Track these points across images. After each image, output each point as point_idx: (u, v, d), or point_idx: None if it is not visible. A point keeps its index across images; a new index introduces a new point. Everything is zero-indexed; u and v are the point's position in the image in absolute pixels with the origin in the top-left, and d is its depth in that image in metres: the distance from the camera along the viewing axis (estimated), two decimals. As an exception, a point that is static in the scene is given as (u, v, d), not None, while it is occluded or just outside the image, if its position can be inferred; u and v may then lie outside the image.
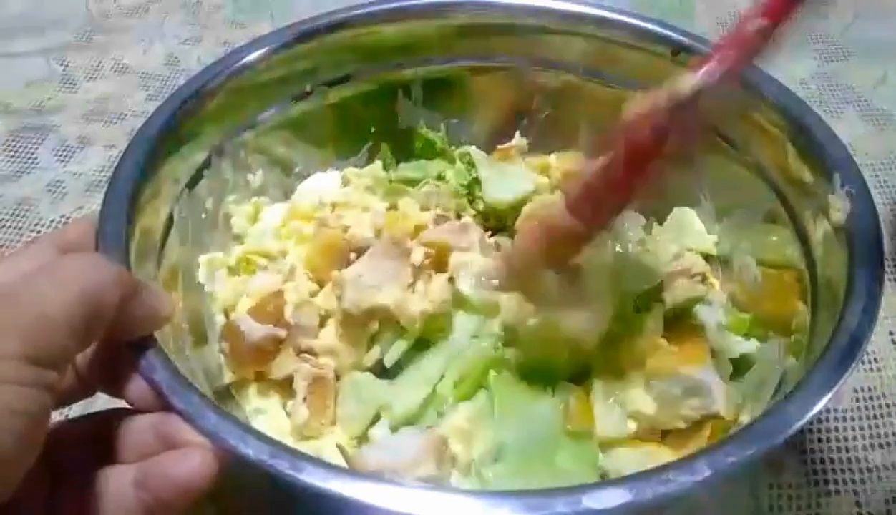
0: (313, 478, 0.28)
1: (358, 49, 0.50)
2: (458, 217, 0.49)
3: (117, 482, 0.29)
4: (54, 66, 0.72)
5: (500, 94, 0.53)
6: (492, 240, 0.49)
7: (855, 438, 0.45)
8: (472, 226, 0.46)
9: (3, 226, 0.58)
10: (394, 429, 0.40)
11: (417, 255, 0.42)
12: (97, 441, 0.31)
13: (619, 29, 0.49)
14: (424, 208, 0.49)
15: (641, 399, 0.40)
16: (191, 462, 0.29)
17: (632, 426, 0.40)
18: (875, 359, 0.49)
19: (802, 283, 0.40)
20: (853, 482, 0.43)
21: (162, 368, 0.31)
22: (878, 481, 0.44)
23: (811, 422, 0.45)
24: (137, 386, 0.31)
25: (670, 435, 0.40)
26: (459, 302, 0.43)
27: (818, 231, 0.40)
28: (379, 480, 0.28)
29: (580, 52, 0.51)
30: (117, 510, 0.29)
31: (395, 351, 0.42)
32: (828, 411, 0.47)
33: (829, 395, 0.31)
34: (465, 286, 0.43)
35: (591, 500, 0.27)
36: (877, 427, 0.46)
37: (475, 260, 0.44)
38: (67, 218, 0.58)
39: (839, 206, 0.38)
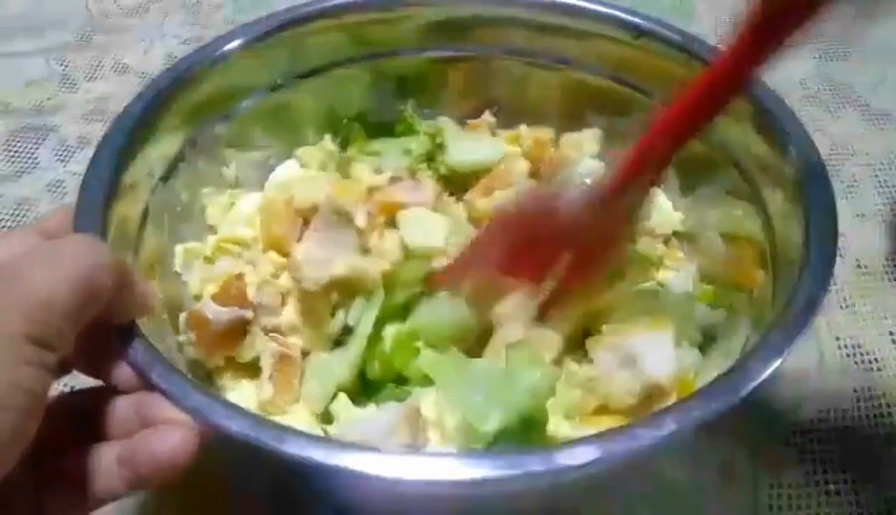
0: (296, 448, 0.28)
1: (331, 40, 0.50)
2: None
3: (103, 458, 0.30)
4: (54, 66, 0.72)
5: (470, 84, 0.54)
6: (451, 198, 0.49)
7: (855, 438, 0.45)
8: (425, 182, 0.47)
9: (3, 226, 0.58)
10: (357, 402, 0.41)
11: (361, 217, 0.42)
12: (81, 418, 0.31)
13: (585, 17, 0.50)
14: (378, 172, 0.49)
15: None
16: (171, 438, 0.29)
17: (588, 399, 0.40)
18: (875, 359, 0.49)
19: (764, 254, 0.41)
20: (853, 482, 0.43)
21: (144, 351, 0.31)
22: (878, 481, 0.44)
23: (812, 422, 0.46)
24: (121, 369, 0.31)
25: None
26: (406, 254, 0.44)
27: (776, 203, 0.41)
28: (360, 448, 0.29)
29: (549, 40, 0.51)
30: (103, 485, 0.29)
31: (357, 310, 0.42)
32: (828, 411, 0.47)
33: (787, 352, 0.32)
34: (410, 237, 0.44)
35: (565, 457, 0.28)
36: (877, 426, 0.46)
37: (421, 212, 0.45)
38: (67, 218, 0.58)
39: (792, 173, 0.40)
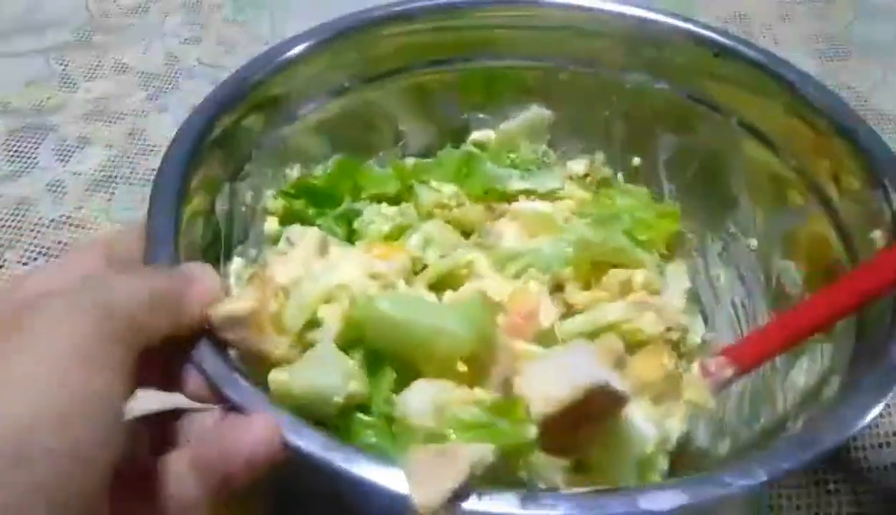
0: (366, 472, 0.28)
1: (398, 44, 0.50)
2: None
3: (174, 464, 0.29)
4: (54, 66, 0.72)
5: (533, 95, 0.53)
6: None
7: (855, 438, 0.45)
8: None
9: (4, 226, 0.58)
10: None
11: None
12: (157, 438, 0.30)
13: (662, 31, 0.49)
14: None
15: None
16: (255, 431, 0.28)
17: None
18: (875, 359, 0.49)
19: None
20: (853, 482, 0.44)
21: (213, 358, 0.31)
22: (878, 481, 0.44)
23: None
24: (192, 378, 0.30)
25: None
26: None
27: (865, 232, 0.39)
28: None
29: (618, 53, 0.50)
30: (175, 492, 0.28)
31: None
32: (828, 411, 0.47)
33: (885, 400, 0.30)
34: None
35: (647, 502, 0.27)
36: (877, 426, 0.46)
37: None
38: (67, 217, 0.58)
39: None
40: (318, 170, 0.50)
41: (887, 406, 0.46)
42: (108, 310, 0.26)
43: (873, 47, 0.73)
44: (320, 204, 0.48)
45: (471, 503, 0.27)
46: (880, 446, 0.45)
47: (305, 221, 0.48)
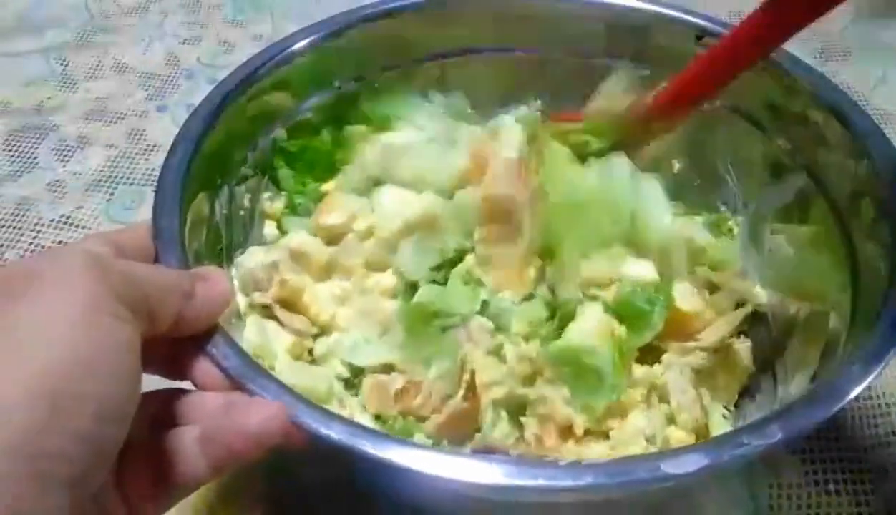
0: (396, 456, 0.28)
1: (385, 44, 0.50)
2: None
3: (181, 441, 0.29)
4: (54, 66, 0.72)
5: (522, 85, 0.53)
6: None
7: (855, 438, 0.45)
8: None
9: (4, 226, 0.58)
10: None
11: None
12: (159, 415, 0.30)
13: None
14: None
15: None
16: (263, 410, 0.29)
17: None
18: (875, 359, 0.49)
19: (838, 253, 0.40)
20: (853, 482, 0.44)
21: (234, 356, 0.31)
22: (878, 481, 0.44)
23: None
24: (208, 373, 0.31)
25: None
26: None
27: (857, 216, 0.40)
28: (460, 454, 0.30)
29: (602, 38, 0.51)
30: (184, 469, 0.29)
31: None
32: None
33: (886, 361, 0.32)
34: None
35: (671, 466, 0.28)
36: (876, 426, 0.46)
37: None
38: (67, 218, 0.58)
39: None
40: (324, 135, 0.50)
41: (888, 405, 0.47)
42: (120, 275, 0.26)
43: (873, 47, 0.73)
44: (315, 168, 0.50)
45: (499, 476, 0.28)
46: (880, 446, 0.45)
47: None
